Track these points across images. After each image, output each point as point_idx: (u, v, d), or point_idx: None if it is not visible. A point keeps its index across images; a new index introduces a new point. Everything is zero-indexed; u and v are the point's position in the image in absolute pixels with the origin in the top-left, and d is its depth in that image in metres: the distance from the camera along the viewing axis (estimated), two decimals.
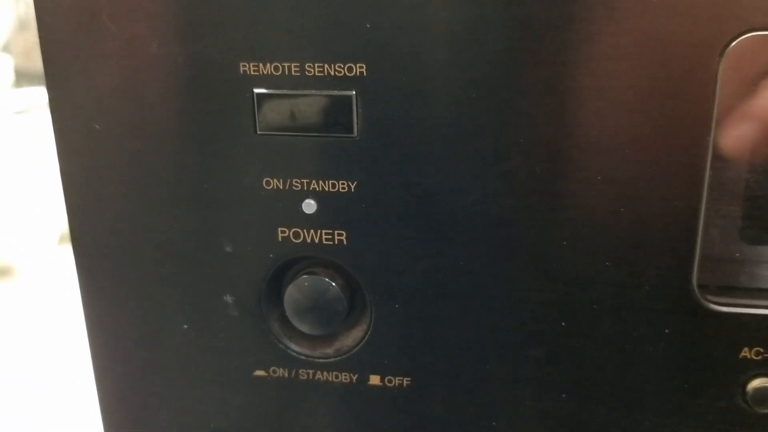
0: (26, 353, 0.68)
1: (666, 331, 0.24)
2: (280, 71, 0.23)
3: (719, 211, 0.23)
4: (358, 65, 0.22)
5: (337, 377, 0.26)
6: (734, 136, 0.22)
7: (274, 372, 0.27)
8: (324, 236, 0.25)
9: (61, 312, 0.74)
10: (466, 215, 0.23)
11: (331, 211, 0.24)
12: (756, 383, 0.24)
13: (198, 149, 0.24)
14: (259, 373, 0.27)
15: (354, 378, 0.26)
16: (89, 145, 0.25)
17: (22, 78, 1.16)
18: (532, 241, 0.23)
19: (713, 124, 0.21)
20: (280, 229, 0.25)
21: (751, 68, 0.22)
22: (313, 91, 0.23)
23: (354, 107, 0.23)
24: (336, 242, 0.25)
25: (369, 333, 0.26)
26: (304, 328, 0.25)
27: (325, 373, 0.26)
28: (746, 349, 0.23)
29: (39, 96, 1.03)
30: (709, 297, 0.23)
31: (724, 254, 0.24)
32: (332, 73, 0.22)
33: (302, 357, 0.26)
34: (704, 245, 0.23)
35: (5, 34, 1.20)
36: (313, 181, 0.24)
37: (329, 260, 0.25)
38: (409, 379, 0.26)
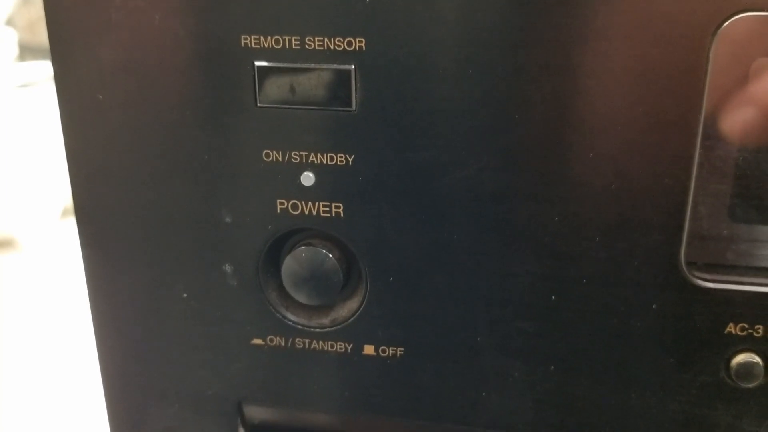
0: (29, 322, 0.69)
1: (654, 306, 0.24)
2: (281, 45, 0.23)
3: (708, 189, 0.24)
4: (357, 40, 0.23)
5: (332, 347, 0.27)
6: (725, 117, 0.23)
7: (272, 341, 0.27)
8: (321, 208, 0.25)
9: (62, 283, 0.75)
10: (461, 190, 0.24)
11: (329, 183, 0.25)
12: (740, 358, 0.24)
13: (199, 121, 0.24)
14: (257, 341, 0.27)
15: (349, 347, 0.27)
16: (93, 115, 0.25)
17: (26, 51, 1.16)
18: (525, 216, 0.24)
19: (704, 104, 0.22)
20: (278, 200, 0.25)
21: (742, 48, 0.22)
22: (312, 65, 0.23)
23: (353, 81, 0.23)
24: (333, 215, 0.25)
25: (364, 304, 0.26)
26: (300, 298, 0.26)
27: (321, 342, 0.27)
28: (731, 324, 0.24)
29: (43, 70, 1.04)
30: (697, 273, 0.24)
31: (711, 232, 0.24)
32: (332, 47, 0.23)
33: (299, 326, 0.27)
34: (693, 223, 0.24)
35: (9, 8, 1.19)
36: (312, 154, 0.24)
37: (326, 232, 0.25)
38: (402, 349, 0.26)
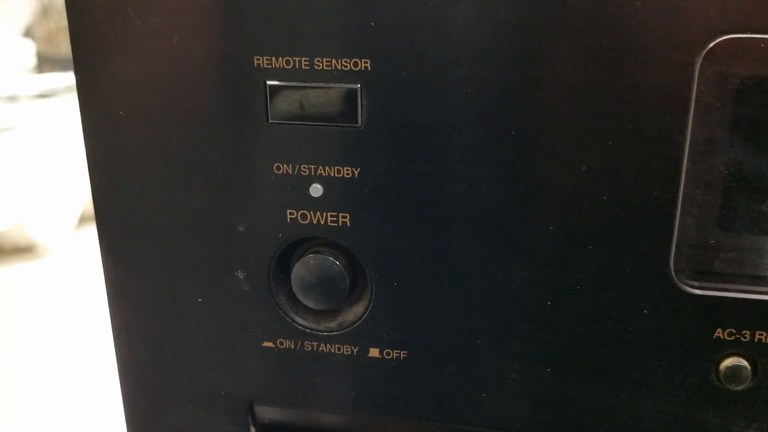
0: (49, 327, 0.70)
1: (645, 311, 0.25)
2: (291, 65, 0.25)
3: (696, 200, 0.25)
4: (363, 60, 0.24)
5: (339, 349, 0.28)
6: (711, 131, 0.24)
7: (282, 343, 0.29)
8: (329, 218, 0.26)
9: (81, 288, 0.76)
10: (460, 201, 0.25)
11: (336, 195, 0.26)
12: (728, 362, 0.25)
13: (214, 136, 0.26)
14: (268, 344, 0.29)
15: (355, 350, 0.28)
16: (113, 130, 0.27)
17: (45, 62, 1.18)
18: (521, 225, 0.25)
19: (690, 119, 0.23)
20: (288, 210, 0.27)
21: (726, 67, 0.23)
22: (321, 84, 0.25)
23: (359, 99, 0.24)
24: (340, 224, 0.26)
25: (369, 309, 0.27)
26: (309, 303, 0.27)
27: (328, 345, 0.28)
28: (719, 329, 0.25)
29: (61, 81, 1.05)
30: (686, 280, 0.25)
31: (700, 240, 0.25)
32: (339, 68, 0.24)
33: (307, 330, 0.28)
34: (681, 232, 0.25)
35: (28, 19, 1.21)
36: (320, 167, 0.26)
37: (334, 241, 0.27)
38: (405, 352, 0.28)
